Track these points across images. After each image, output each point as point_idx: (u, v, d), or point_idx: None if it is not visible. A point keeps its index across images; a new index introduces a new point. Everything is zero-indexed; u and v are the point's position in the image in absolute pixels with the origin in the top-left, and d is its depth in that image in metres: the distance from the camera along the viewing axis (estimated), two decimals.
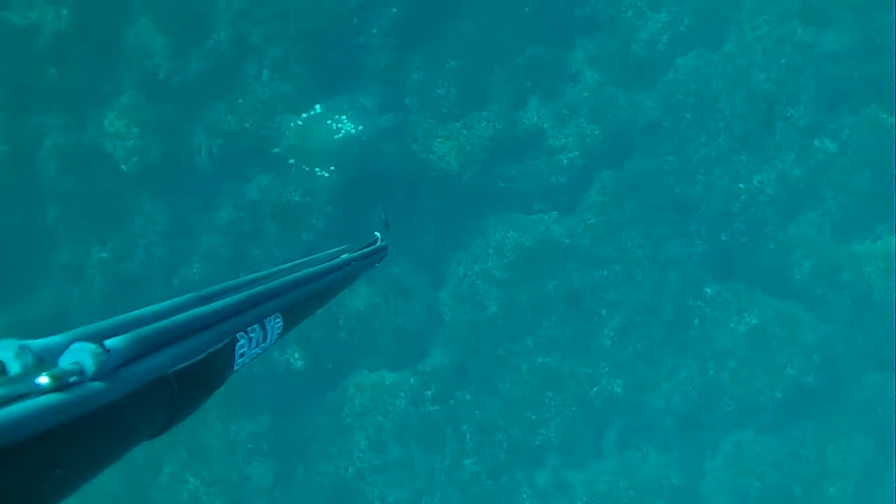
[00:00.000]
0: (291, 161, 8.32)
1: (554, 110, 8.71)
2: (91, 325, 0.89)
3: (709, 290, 8.75)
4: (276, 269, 1.43)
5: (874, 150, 8.80)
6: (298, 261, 1.55)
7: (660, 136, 8.76)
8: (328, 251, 1.74)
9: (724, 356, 8.57)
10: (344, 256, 1.69)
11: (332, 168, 8.15)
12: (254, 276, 1.33)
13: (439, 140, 8.48)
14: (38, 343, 0.78)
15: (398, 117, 8.36)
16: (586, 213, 8.70)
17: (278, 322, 1.27)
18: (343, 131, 8.10)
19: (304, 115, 8.27)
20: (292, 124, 8.37)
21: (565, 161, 8.45)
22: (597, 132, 8.64)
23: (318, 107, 8.23)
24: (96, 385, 0.78)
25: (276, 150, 8.34)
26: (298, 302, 1.38)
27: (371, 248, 1.88)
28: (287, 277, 1.36)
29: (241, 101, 8.49)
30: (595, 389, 8.48)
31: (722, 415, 8.59)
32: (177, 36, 8.56)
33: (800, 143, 8.91)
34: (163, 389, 0.91)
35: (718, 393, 8.53)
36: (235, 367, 1.13)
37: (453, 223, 8.66)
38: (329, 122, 8.25)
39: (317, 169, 8.23)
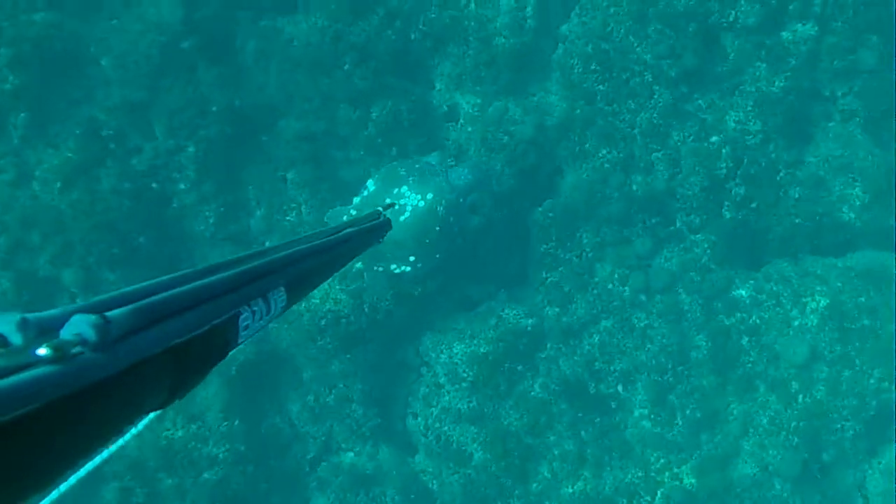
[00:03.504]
0: (359, 265, 6.07)
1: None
2: (93, 299, 0.87)
3: (743, 292, 6.20)
4: (279, 243, 1.40)
5: (867, 7, 6.19)
6: (302, 235, 1.51)
7: (580, 130, 6.37)
8: (331, 227, 1.69)
9: (807, 368, 5.97)
10: (346, 231, 1.65)
11: (412, 258, 5.83)
12: (257, 249, 1.28)
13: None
14: (39, 315, 0.76)
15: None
16: (539, 273, 6.32)
17: (282, 295, 1.22)
18: (409, 207, 5.73)
19: (356, 198, 5.89)
20: (346, 217, 6.06)
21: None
22: (507, 171, 6.31)
23: (370, 183, 5.93)
24: (97, 356, 0.76)
25: None
26: (301, 275, 1.34)
27: (374, 222, 1.84)
28: (290, 250, 1.30)
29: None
30: (659, 495, 5.98)
31: (846, 442, 5.95)
32: None
33: (764, 47, 6.36)
34: (165, 362, 0.89)
35: (826, 420, 5.91)
36: (240, 340, 1.09)
37: (386, 366, 6.41)
38: (387, 199, 5.88)
39: (393, 266, 5.92)
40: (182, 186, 6.38)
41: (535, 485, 6.05)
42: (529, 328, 6.13)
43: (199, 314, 0.97)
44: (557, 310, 6.17)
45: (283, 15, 6.79)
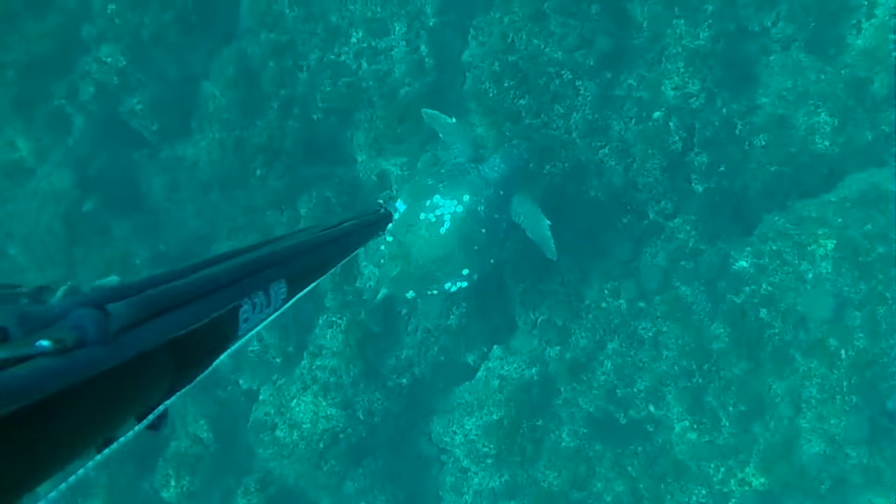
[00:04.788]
0: (411, 294, 5.42)
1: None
2: (93, 292, 0.86)
3: (743, 263, 5.66)
4: (279, 236, 1.36)
5: None
6: (302, 229, 1.48)
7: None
8: (332, 221, 1.63)
9: (838, 319, 5.42)
10: (347, 224, 1.61)
11: (466, 271, 5.23)
12: (257, 243, 1.25)
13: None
14: (39, 309, 0.75)
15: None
16: (526, 315, 5.80)
17: (282, 288, 1.20)
18: (447, 217, 5.17)
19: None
20: (382, 247, 5.43)
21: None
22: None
23: (398, 204, 5.34)
24: (98, 349, 0.75)
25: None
26: (302, 268, 1.30)
27: (374, 216, 1.81)
28: (290, 243, 1.27)
29: None
30: None
31: None
32: None
33: (676, 3, 5.90)
34: (166, 355, 0.88)
35: (877, 367, 5.34)
36: (240, 334, 1.08)
37: (404, 467, 5.88)
38: (421, 215, 5.33)
39: (447, 284, 5.23)
40: None
41: None
42: (535, 377, 5.60)
43: (199, 307, 0.95)
44: (558, 348, 5.65)
45: (180, 140, 6.35)
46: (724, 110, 5.82)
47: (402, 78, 6.20)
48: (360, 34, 6.33)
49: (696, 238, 5.66)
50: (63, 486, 0.73)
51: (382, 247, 5.38)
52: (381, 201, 2.02)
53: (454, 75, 6.31)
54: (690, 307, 5.57)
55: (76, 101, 6.35)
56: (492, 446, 5.51)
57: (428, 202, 5.20)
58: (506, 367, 5.67)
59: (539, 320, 5.68)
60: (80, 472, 0.77)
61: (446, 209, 5.16)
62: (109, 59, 6.42)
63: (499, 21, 6.07)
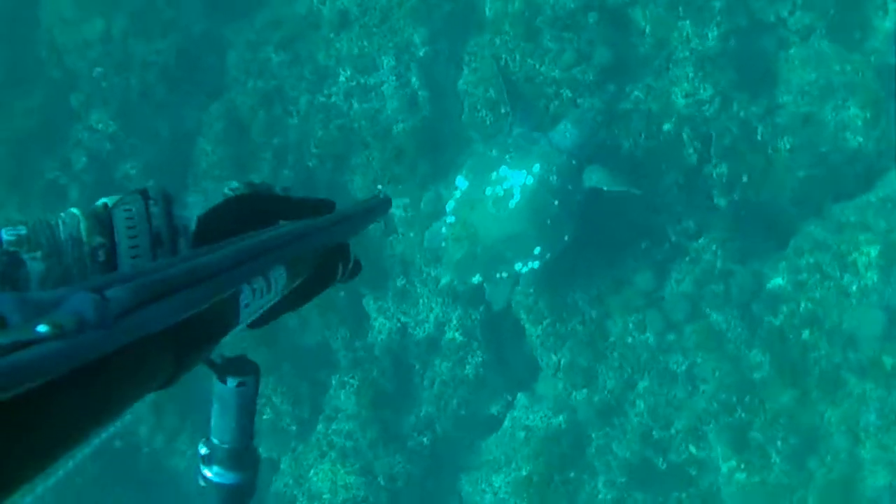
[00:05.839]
0: (477, 279, 5.09)
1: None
2: (92, 279, 0.89)
3: (779, 281, 5.17)
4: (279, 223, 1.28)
5: None
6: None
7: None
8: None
9: (891, 334, 4.89)
10: (347, 210, 1.42)
11: (538, 249, 4.89)
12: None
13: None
14: (37, 295, 0.73)
15: None
16: (548, 358, 5.41)
17: (282, 274, 1.15)
18: (516, 189, 4.81)
19: (450, 203, 4.97)
20: (444, 229, 5.16)
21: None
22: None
23: (459, 180, 5.02)
24: (96, 334, 0.71)
25: None
26: (302, 254, 1.24)
27: (374, 202, 1.54)
28: (290, 228, 1.15)
29: None
30: None
31: None
32: None
33: (679, 4, 5.45)
34: (166, 339, 0.86)
35: None
36: (241, 319, 1.04)
37: None
38: (487, 190, 4.98)
39: (518, 265, 4.92)
40: None
41: None
42: (563, 425, 5.21)
43: (198, 292, 0.89)
44: (585, 391, 5.24)
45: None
46: (742, 114, 5.34)
47: (395, 114, 5.87)
48: (349, 72, 6.03)
49: (724, 258, 5.19)
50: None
51: (444, 229, 5.02)
52: (380, 187, 1.84)
53: (452, 106, 5.96)
54: (725, 335, 5.11)
55: (70, 171, 6.22)
56: None
57: (494, 175, 4.81)
58: (531, 417, 5.29)
59: (562, 362, 5.29)
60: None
61: (515, 181, 4.77)
62: (100, 126, 6.27)
63: (490, 43, 5.70)
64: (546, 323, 5.31)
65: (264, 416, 5.63)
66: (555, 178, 4.75)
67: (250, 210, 1.20)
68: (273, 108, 6.08)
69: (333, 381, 5.63)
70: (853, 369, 4.92)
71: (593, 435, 5.22)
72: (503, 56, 5.61)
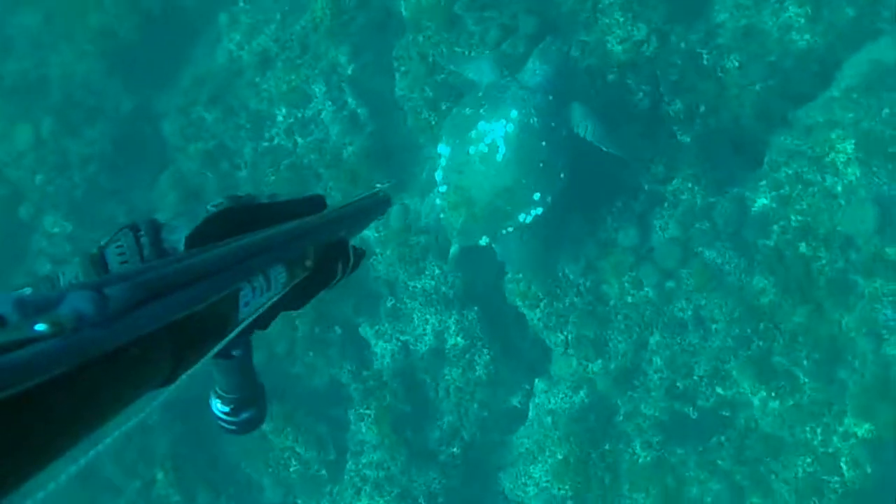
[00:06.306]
0: (485, 240, 4.92)
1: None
2: (92, 278, 0.93)
3: (763, 200, 5.01)
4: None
5: None
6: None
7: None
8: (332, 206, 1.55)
9: (884, 226, 4.74)
10: (347, 207, 1.54)
11: (537, 195, 4.73)
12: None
13: None
14: (36, 294, 0.74)
15: None
16: (555, 336, 5.29)
17: (281, 272, 1.18)
18: (499, 141, 4.63)
19: (438, 173, 4.87)
20: (438, 201, 5.01)
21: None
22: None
23: (441, 147, 4.89)
24: (95, 332, 0.73)
25: None
26: (301, 252, 1.27)
27: (374, 198, 1.71)
28: (289, 226, 1.22)
29: None
30: (844, 466, 4.80)
31: None
32: None
33: None
34: (166, 337, 0.86)
35: None
36: (241, 317, 1.06)
37: None
38: (471, 149, 4.79)
39: (521, 216, 4.74)
40: None
41: None
42: (587, 400, 5.10)
43: (198, 290, 0.91)
44: (599, 362, 5.13)
45: None
46: (683, 45, 5.20)
47: (340, 139, 5.76)
48: (284, 110, 5.91)
49: (702, 193, 5.06)
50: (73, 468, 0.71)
51: (438, 200, 4.86)
52: (378, 185, 1.89)
53: (395, 116, 5.82)
54: (722, 269, 4.98)
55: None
56: (567, 488, 5.03)
57: (473, 133, 4.66)
58: (553, 400, 5.18)
59: (570, 338, 5.17)
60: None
61: (496, 133, 4.61)
62: (56, 229, 6.19)
63: (414, 42, 5.56)
64: (543, 304, 5.19)
65: (291, 469, 5.54)
66: (535, 119, 4.57)
67: (237, 221, 1.20)
68: (219, 165, 5.97)
69: (351, 416, 5.54)
70: (859, 270, 4.78)
71: (618, 402, 5.11)
72: (429, 52, 5.47)
